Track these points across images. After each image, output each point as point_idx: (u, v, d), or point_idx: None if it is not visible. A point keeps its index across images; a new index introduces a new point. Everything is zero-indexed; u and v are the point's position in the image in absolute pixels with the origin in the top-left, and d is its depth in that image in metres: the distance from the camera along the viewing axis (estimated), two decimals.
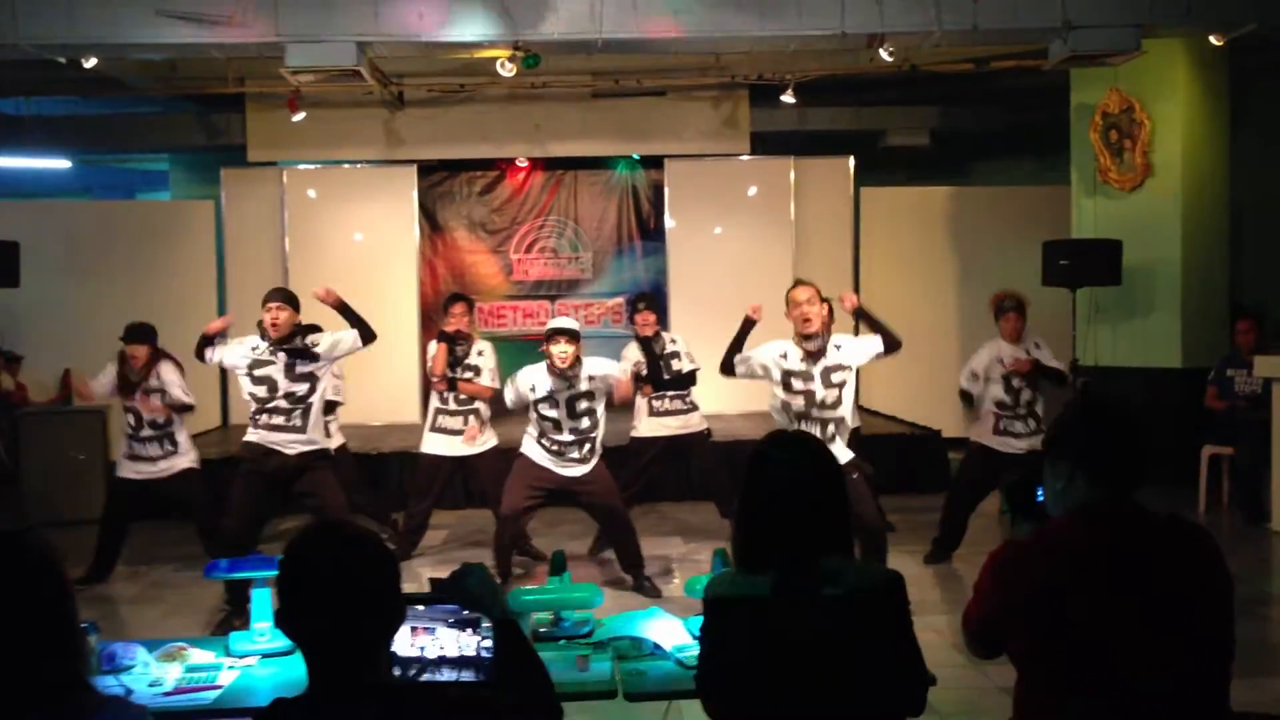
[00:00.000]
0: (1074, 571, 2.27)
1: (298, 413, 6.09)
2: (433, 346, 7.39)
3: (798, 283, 6.03)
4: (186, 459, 6.94)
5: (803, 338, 5.83)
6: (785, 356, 5.87)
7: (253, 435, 6.11)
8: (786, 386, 5.84)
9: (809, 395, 5.79)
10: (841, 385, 5.82)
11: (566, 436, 6.34)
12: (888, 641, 2.31)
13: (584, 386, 6.28)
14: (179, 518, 7.20)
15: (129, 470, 6.88)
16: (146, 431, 6.80)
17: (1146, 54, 8.06)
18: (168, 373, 6.81)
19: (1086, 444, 2.39)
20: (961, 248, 11.68)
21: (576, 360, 6.24)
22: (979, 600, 2.41)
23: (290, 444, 6.08)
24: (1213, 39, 8.15)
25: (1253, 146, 10.01)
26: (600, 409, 6.40)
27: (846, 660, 2.27)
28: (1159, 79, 9.19)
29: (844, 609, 2.27)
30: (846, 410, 5.87)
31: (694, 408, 7.82)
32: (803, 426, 5.70)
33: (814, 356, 5.82)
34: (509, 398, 6.46)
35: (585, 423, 6.35)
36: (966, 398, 7.48)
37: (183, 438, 6.95)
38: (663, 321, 11.73)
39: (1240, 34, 7.93)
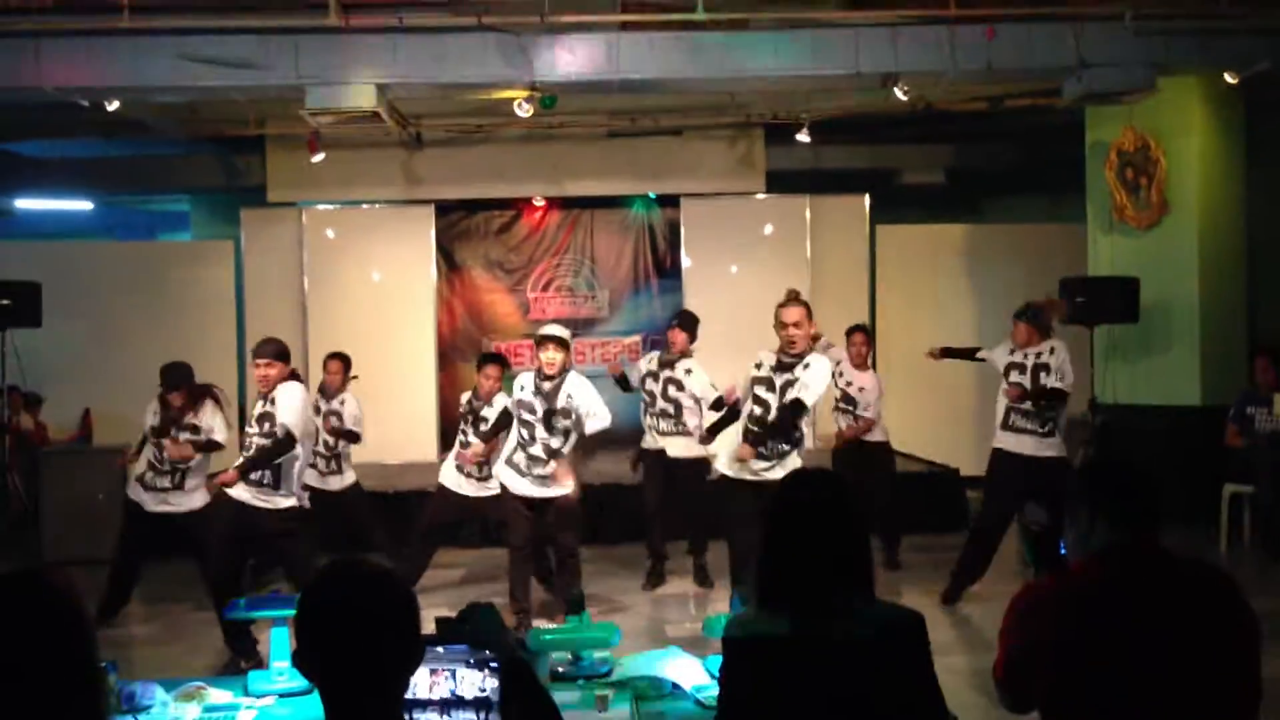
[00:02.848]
0: (1095, 612, 2.26)
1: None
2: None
3: (789, 300, 6.03)
4: (196, 498, 6.73)
5: (784, 352, 5.96)
6: (759, 365, 6.03)
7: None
8: (753, 398, 6.02)
9: (766, 407, 5.87)
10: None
11: (539, 450, 6.43)
12: (909, 682, 2.29)
13: (559, 403, 6.38)
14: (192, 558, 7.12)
15: (137, 493, 6.75)
16: (165, 466, 6.70)
17: (1161, 92, 8.10)
18: (207, 416, 6.59)
19: (1104, 490, 2.42)
20: (977, 285, 11.67)
21: (563, 371, 6.39)
22: (1004, 645, 2.40)
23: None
24: (1227, 77, 8.16)
25: (1268, 183, 9.99)
26: (574, 437, 6.49)
27: (867, 701, 2.25)
28: (1174, 117, 9.20)
29: (865, 649, 2.26)
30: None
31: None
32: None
33: (784, 367, 5.91)
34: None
35: (557, 442, 6.45)
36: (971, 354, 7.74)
37: (194, 480, 6.73)
38: None
39: (1254, 72, 7.95)
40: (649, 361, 7.87)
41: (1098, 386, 9.19)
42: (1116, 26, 7.67)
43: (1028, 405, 7.00)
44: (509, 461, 6.57)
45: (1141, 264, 9.22)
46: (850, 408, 8.17)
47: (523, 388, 6.51)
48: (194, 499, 6.71)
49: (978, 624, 6.59)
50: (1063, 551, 2.54)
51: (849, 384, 8.17)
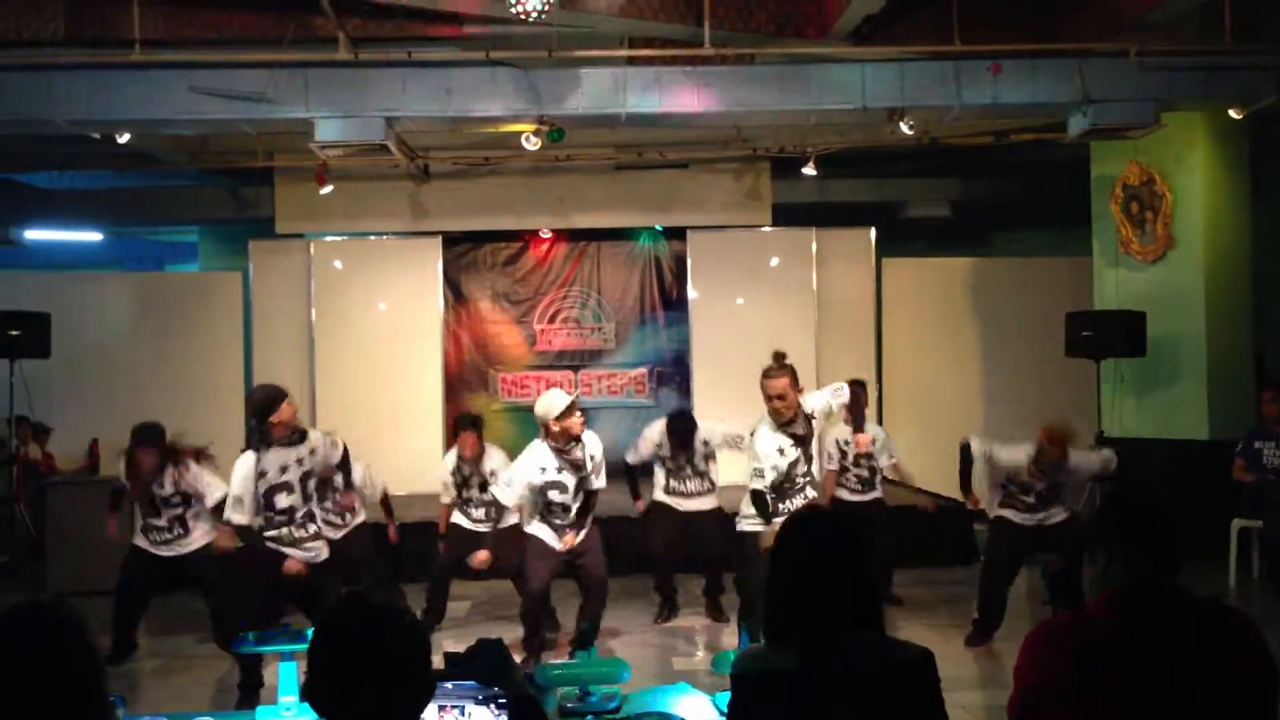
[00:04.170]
0: (1112, 650, 2.26)
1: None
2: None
3: (772, 370, 5.86)
4: (200, 536, 6.67)
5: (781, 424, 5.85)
6: (782, 451, 5.85)
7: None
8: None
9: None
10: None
11: (573, 517, 6.38)
12: (918, 719, 2.28)
13: (587, 467, 6.33)
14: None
15: (141, 540, 6.70)
16: (163, 521, 6.62)
17: (1166, 127, 8.14)
18: (197, 481, 6.54)
19: (1121, 530, 2.41)
20: (983, 318, 11.68)
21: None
22: (1019, 682, 2.40)
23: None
24: (1232, 112, 8.20)
25: (1274, 217, 10.02)
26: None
27: None
28: (1179, 151, 9.23)
29: (874, 685, 2.25)
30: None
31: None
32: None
33: (799, 441, 5.89)
34: (509, 500, 6.50)
35: (587, 501, 6.43)
36: (965, 454, 7.21)
37: (199, 524, 6.68)
38: (685, 391, 11.79)
39: (1259, 107, 7.98)
40: (656, 430, 7.73)
41: (1104, 420, 9.18)
42: (1121, 62, 7.71)
43: (1031, 495, 6.79)
44: (545, 521, 6.41)
45: (1148, 298, 9.23)
46: (868, 463, 8.03)
47: (544, 469, 6.27)
48: (200, 538, 6.67)
49: (988, 660, 6.54)
50: (1081, 589, 2.54)
51: (848, 444, 8.00)
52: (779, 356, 5.92)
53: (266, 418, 5.54)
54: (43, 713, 1.79)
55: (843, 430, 8.01)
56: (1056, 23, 7.87)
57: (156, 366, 10.82)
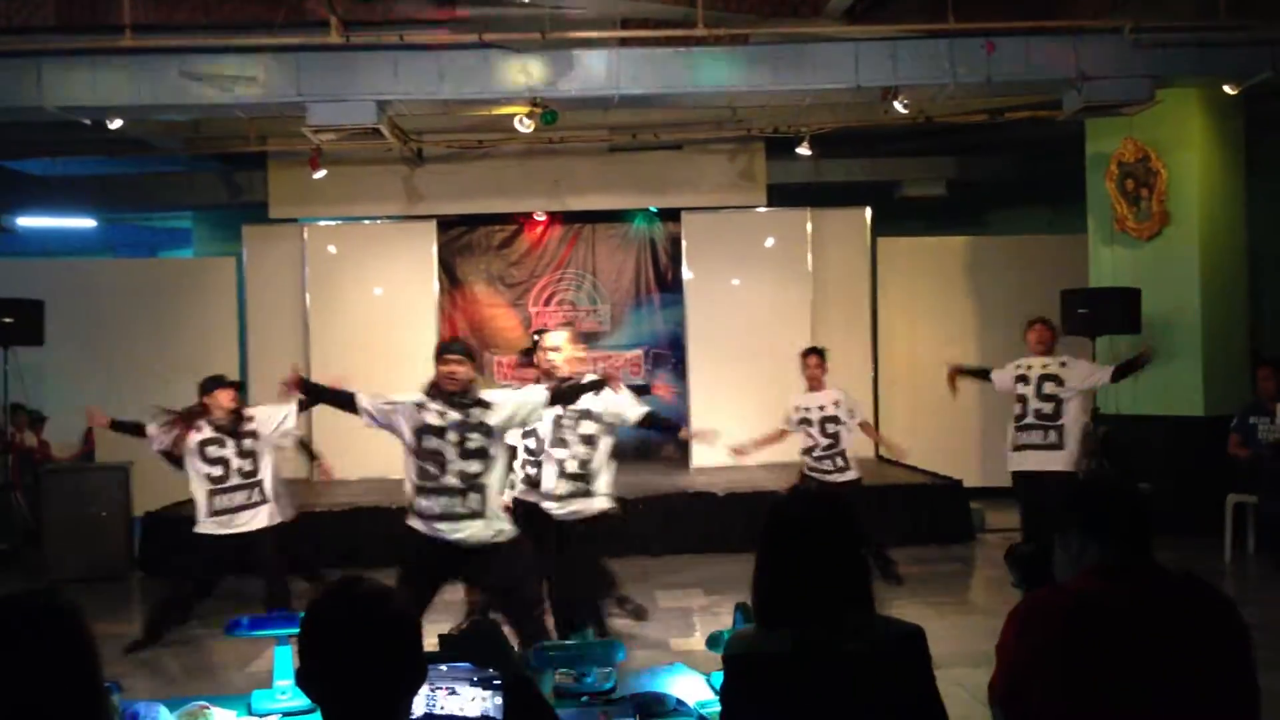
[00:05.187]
0: (1097, 622, 2.29)
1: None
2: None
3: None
4: (265, 515, 6.52)
5: None
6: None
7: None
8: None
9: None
10: None
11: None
12: (910, 696, 2.29)
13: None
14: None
15: (208, 527, 6.47)
16: (236, 481, 6.48)
17: (1161, 103, 8.11)
18: (263, 410, 6.73)
19: (1093, 512, 2.47)
20: (979, 297, 11.68)
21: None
22: (1002, 659, 2.42)
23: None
24: (1227, 88, 8.18)
25: (1269, 193, 10.01)
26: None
27: (870, 716, 2.25)
28: (1174, 128, 9.20)
29: (865, 664, 2.26)
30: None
31: None
32: None
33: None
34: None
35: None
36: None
37: (268, 494, 6.55)
38: (680, 373, 11.81)
39: (1254, 83, 7.97)
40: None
41: (1100, 397, 9.18)
42: (1116, 39, 7.70)
43: (1031, 414, 7.32)
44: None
45: (1143, 275, 9.22)
46: (837, 427, 7.80)
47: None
48: (264, 515, 6.53)
49: (980, 637, 6.55)
50: (1050, 573, 2.57)
51: (820, 409, 7.79)
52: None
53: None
54: (38, 699, 1.79)
55: (802, 397, 7.88)
56: None
57: (151, 353, 10.81)
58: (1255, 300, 9.82)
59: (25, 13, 7.53)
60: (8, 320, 8.92)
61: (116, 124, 8.37)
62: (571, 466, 5.97)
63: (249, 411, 6.59)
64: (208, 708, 3.42)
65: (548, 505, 6.05)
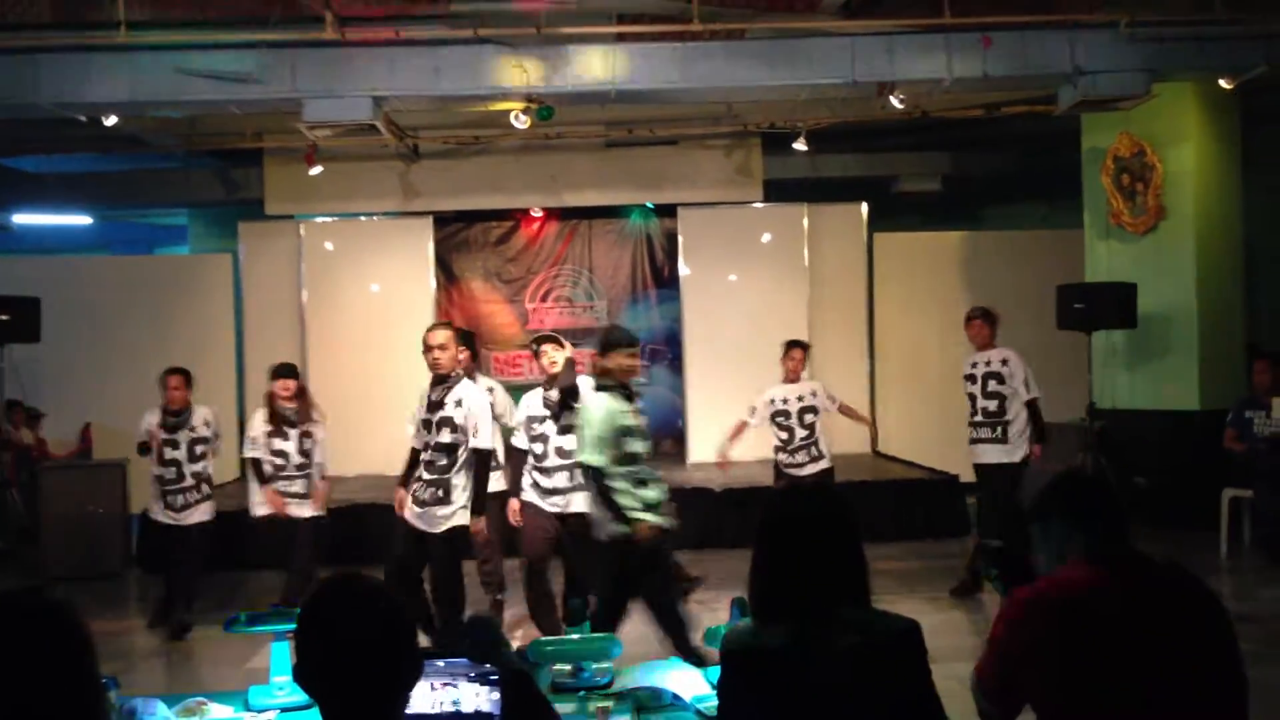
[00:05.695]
0: (1089, 612, 2.31)
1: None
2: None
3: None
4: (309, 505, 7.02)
5: None
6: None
7: None
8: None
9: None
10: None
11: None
12: (907, 691, 2.30)
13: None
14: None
15: (261, 509, 6.96)
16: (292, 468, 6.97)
17: (1157, 98, 8.12)
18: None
19: (1077, 502, 2.51)
20: (975, 292, 11.62)
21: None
22: (992, 649, 2.43)
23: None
24: (1223, 82, 8.18)
25: (1265, 187, 10.01)
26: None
27: (866, 711, 2.25)
28: (1170, 122, 9.21)
29: (862, 659, 2.26)
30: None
31: None
32: None
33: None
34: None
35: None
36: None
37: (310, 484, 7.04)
38: (676, 368, 11.81)
39: (1250, 77, 7.97)
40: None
41: (1096, 392, 9.20)
42: (1112, 33, 7.70)
43: (979, 412, 7.44)
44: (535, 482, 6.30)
45: (1139, 270, 9.23)
46: (814, 417, 7.77)
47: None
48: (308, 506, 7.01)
49: (977, 631, 6.59)
50: (1028, 566, 2.59)
51: (799, 399, 7.75)
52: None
53: None
54: (34, 698, 1.79)
55: (778, 389, 7.83)
56: None
57: (148, 350, 10.76)
58: (1251, 294, 9.82)
59: (20, 9, 7.51)
60: (4, 317, 8.89)
61: (112, 120, 8.34)
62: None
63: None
64: (205, 703, 3.42)
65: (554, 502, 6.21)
